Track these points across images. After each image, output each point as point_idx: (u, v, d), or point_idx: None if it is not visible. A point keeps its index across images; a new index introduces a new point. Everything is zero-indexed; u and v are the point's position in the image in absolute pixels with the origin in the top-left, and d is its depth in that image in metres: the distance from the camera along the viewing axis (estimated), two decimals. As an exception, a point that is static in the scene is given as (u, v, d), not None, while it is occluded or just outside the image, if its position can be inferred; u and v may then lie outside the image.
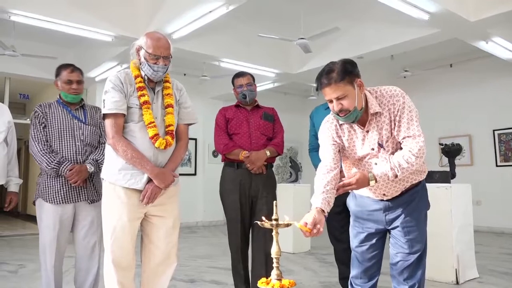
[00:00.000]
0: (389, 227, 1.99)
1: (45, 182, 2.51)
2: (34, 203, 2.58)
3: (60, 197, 2.47)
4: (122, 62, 6.38)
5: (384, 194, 1.94)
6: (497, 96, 7.44)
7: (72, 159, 2.51)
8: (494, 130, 7.50)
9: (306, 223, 1.64)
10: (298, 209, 5.20)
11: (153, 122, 2.04)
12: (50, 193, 2.48)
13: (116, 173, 2.04)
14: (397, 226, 1.95)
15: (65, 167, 2.45)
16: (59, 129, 2.52)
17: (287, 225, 1.44)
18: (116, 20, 5.32)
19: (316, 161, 2.65)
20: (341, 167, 2.04)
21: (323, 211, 1.73)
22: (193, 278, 3.90)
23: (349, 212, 2.17)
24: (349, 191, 1.93)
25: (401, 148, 1.84)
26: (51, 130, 2.52)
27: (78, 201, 2.52)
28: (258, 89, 3.28)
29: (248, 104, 3.04)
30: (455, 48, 6.97)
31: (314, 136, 2.97)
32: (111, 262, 2.02)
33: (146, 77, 2.11)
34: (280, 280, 1.38)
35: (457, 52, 7.28)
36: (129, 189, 2.04)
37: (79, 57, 7.11)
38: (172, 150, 2.15)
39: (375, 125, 1.86)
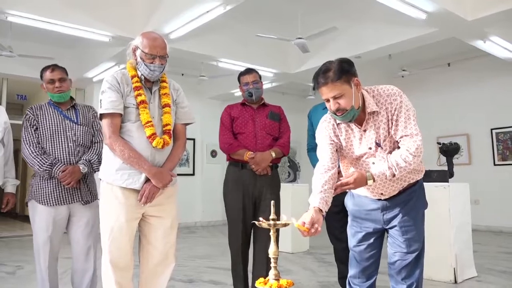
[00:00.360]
0: (387, 227, 1.99)
1: (38, 184, 2.49)
2: (26, 204, 2.57)
3: (53, 199, 2.45)
4: (119, 63, 6.37)
5: (381, 194, 1.94)
6: (495, 95, 7.46)
7: (64, 160, 2.48)
8: (492, 129, 7.51)
9: (304, 223, 1.63)
10: (296, 209, 5.19)
11: (150, 121, 2.04)
12: (43, 195, 2.46)
13: (114, 173, 2.04)
14: (395, 226, 1.95)
15: (57, 168, 2.42)
16: (51, 131, 2.50)
17: (285, 225, 1.43)
18: (113, 20, 5.31)
19: (314, 161, 2.64)
20: (339, 166, 2.04)
21: (321, 210, 1.73)
22: (191, 278, 3.89)
23: (348, 211, 2.17)
24: (347, 190, 1.93)
25: (398, 147, 1.84)
26: (43, 132, 2.50)
27: (71, 203, 2.49)
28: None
29: (254, 102, 2.99)
30: (452, 47, 6.98)
31: (312, 136, 2.96)
32: (109, 263, 2.01)
33: (142, 77, 2.10)
34: (278, 280, 1.37)
35: (455, 51, 7.30)
36: (127, 189, 2.03)
37: (77, 57, 7.10)
38: (169, 150, 2.15)
39: (373, 124, 1.86)
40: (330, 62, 1.82)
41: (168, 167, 2.10)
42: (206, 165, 8.92)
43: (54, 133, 2.50)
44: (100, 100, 2.03)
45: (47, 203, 2.45)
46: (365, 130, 1.87)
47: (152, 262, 2.15)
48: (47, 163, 2.42)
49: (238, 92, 8.27)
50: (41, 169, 2.42)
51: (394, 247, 1.97)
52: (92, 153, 2.57)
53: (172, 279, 3.34)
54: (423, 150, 1.81)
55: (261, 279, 1.40)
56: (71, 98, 2.67)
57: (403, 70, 7.32)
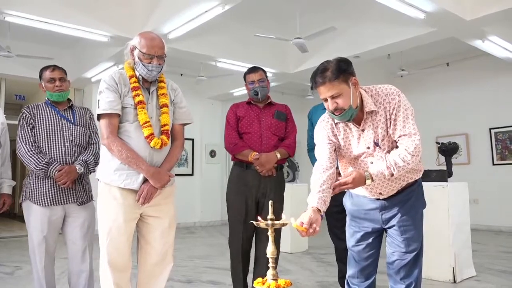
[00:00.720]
0: (386, 226, 1.98)
1: (32, 184, 2.47)
2: (20, 205, 2.55)
3: (48, 199, 2.44)
4: (118, 63, 6.36)
5: (380, 193, 1.93)
6: (494, 95, 7.46)
7: (61, 160, 2.47)
8: (490, 129, 7.52)
9: (302, 223, 1.63)
10: (295, 208, 5.16)
11: (148, 121, 2.04)
12: (38, 195, 2.44)
13: (112, 174, 2.03)
14: (394, 225, 1.94)
15: (53, 168, 2.41)
16: (48, 130, 2.49)
17: (283, 224, 1.43)
18: (112, 20, 5.30)
19: (315, 161, 2.64)
20: (337, 166, 2.04)
21: (319, 210, 1.72)
22: (190, 278, 3.89)
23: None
24: (345, 190, 1.93)
25: (397, 147, 1.83)
26: (39, 131, 2.48)
27: (67, 203, 2.48)
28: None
29: (260, 101, 2.95)
30: (451, 47, 6.99)
31: (312, 137, 2.94)
32: (107, 263, 2.01)
33: (140, 77, 2.10)
34: (276, 280, 1.37)
35: (454, 51, 7.30)
36: (125, 190, 2.03)
37: (75, 57, 7.09)
38: (167, 150, 2.14)
39: (371, 124, 1.85)
40: (328, 62, 1.81)
41: (166, 167, 2.09)
42: (205, 165, 8.91)
43: (50, 132, 2.49)
44: (98, 101, 2.03)
45: (42, 203, 2.43)
46: (363, 130, 1.87)
47: (150, 262, 2.15)
48: (43, 162, 2.41)
49: (237, 92, 8.27)
50: (37, 168, 2.40)
51: (393, 247, 1.97)
52: (89, 154, 2.56)
53: (170, 279, 3.33)
54: (422, 150, 1.80)
55: (259, 279, 1.40)
56: (68, 99, 2.67)
57: (402, 70, 7.32)
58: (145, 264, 2.16)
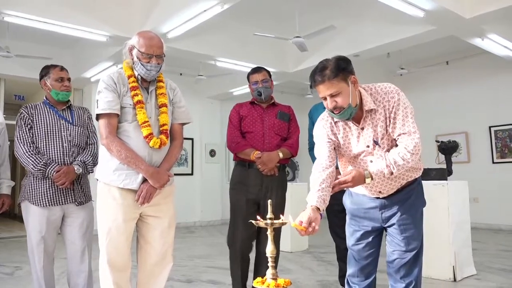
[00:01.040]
0: (386, 225, 1.98)
1: (31, 184, 2.46)
2: (19, 205, 2.55)
3: (46, 200, 2.43)
4: (117, 62, 6.35)
5: (380, 192, 1.93)
6: (493, 93, 7.46)
7: (59, 160, 2.46)
8: (490, 127, 7.51)
9: (301, 222, 1.63)
10: (295, 207, 5.16)
11: (147, 121, 2.03)
12: (36, 196, 2.43)
13: (111, 174, 2.03)
14: (394, 224, 1.94)
15: (52, 168, 2.40)
16: (46, 130, 2.48)
17: (282, 223, 1.43)
18: (111, 20, 5.29)
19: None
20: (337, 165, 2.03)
21: (318, 209, 1.72)
22: (190, 278, 3.89)
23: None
24: (345, 189, 1.92)
25: (396, 145, 1.83)
26: (38, 131, 2.47)
27: (65, 204, 2.47)
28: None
29: (263, 102, 2.95)
30: (451, 46, 6.98)
31: (313, 136, 2.95)
32: (106, 263, 2.01)
33: (139, 77, 2.09)
34: (275, 279, 1.37)
35: (453, 49, 7.30)
36: (124, 190, 2.02)
37: (74, 57, 7.08)
38: (166, 150, 2.14)
39: (370, 122, 1.85)
40: (326, 60, 1.81)
41: (165, 167, 2.09)
42: (205, 165, 8.90)
43: (49, 132, 2.48)
44: (97, 100, 2.03)
45: (40, 204, 2.42)
46: (362, 128, 1.87)
47: (150, 262, 2.15)
48: (42, 163, 2.40)
49: (236, 91, 8.26)
50: (35, 169, 2.39)
51: (393, 246, 1.96)
52: (87, 154, 2.55)
53: (170, 279, 3.34)
54: (421, 148, 1.80)
55: (259, 279, 1.39)
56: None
57: (402, 69, 7.32)
58: (145, 264, 2.15)
